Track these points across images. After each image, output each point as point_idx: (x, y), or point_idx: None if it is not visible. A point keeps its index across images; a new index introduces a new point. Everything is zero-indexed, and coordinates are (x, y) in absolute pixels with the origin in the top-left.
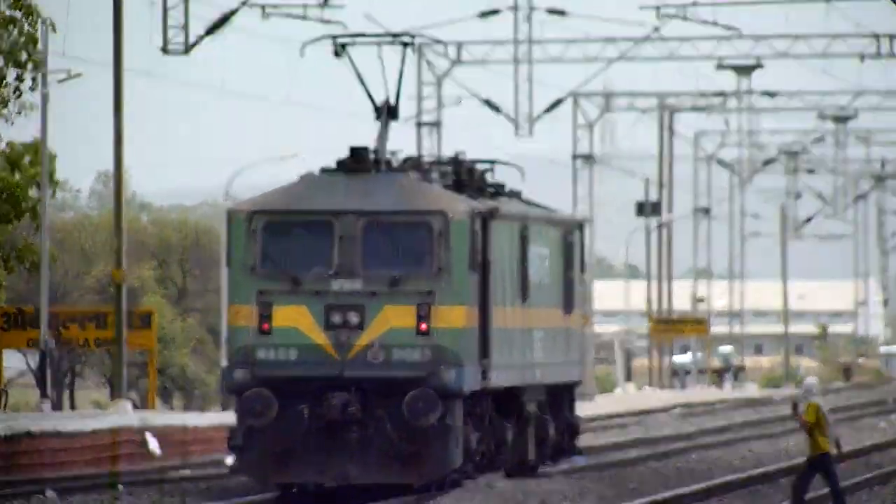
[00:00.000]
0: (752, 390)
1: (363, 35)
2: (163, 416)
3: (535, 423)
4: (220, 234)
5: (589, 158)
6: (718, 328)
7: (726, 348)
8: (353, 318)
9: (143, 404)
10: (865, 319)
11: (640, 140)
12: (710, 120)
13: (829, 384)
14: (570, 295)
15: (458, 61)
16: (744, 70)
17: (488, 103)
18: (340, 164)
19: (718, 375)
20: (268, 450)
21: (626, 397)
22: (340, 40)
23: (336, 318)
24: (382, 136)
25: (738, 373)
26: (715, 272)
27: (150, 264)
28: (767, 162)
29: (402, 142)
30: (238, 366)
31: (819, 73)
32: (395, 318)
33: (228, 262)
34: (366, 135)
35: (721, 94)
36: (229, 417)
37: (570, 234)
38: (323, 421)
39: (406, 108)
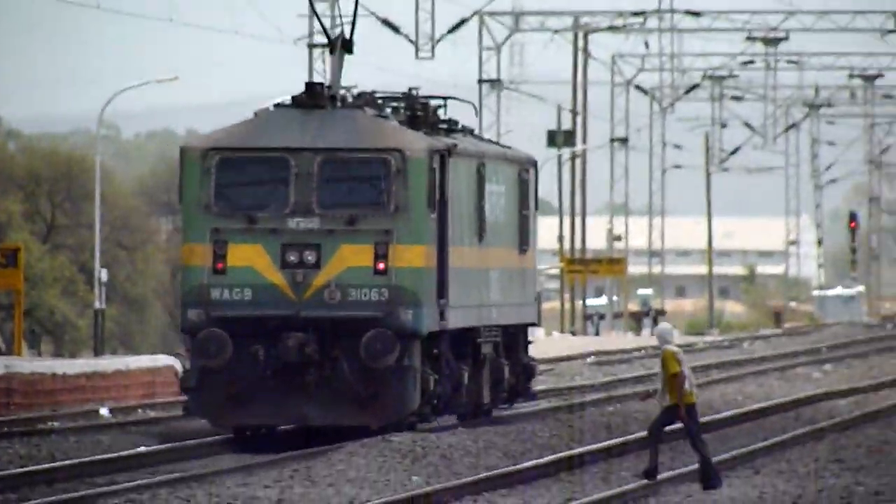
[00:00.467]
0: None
1: None
2: (30, 363)
3: (490, 366)
4: (93, 165)
5: (496, 83)
6: (637, 268)
7: (645, 291)
8: (310, 257)
9: (8, 349)
10: (797, 260)
11: (552, 63)
12: (628, 42)
13: (758, 330)
14: (524, 234)
15: None
16: None
17: (386, 23)
18: (295, 99)
19: (636, 320)
20: (223, 391)
21: (536, 344)
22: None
23: (292, 258)
24: (336, 70)
25: (658, 317)
26: (633, 208)
27: (17, 197)
28: (691, 88)
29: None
30: (192, 306)
31: None
32: (353, 257)
33: (181, 200)
34: (258, 59)
35: (640, 13)
36: (103, 364)
37: (525, 171)
38: (279, 362)
39: (298, 27)
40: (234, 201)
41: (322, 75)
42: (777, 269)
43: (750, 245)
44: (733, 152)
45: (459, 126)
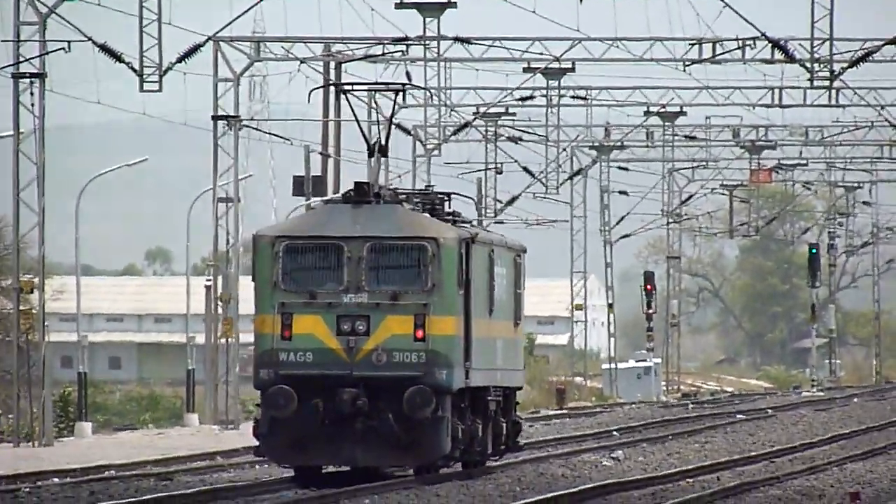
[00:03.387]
0: None
1: (361, 83)
2: None
3: (493, 420)
4: None
5: (233, 119)
6: None
7: None
8: (361, 326)
9: None
10: (584, 328)
11: (298, 97)
12: (388, 73)
13: (538, 410)
14: (518, 310)
15: None
16: (430, 9)
17: (105, 49)
18: (345, 196)
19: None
20: (288, 437)
21: None
22: (343, 87)
23: (346, 327)
24: (376, 171)
25: None
26: None
27: None
28: (460, 127)
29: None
30: (263, 366)
31: (526, 16)
32: (396, 326)
33: (254, 279)
34: None
35: (402, 39)
36: None
37: (518, 256)
38: (335, 413)
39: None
40: (298, 280)
41: (29, 109)
42: (560, 339)
43: (528, 311)
44: (509, 202)
45: (461, 216)
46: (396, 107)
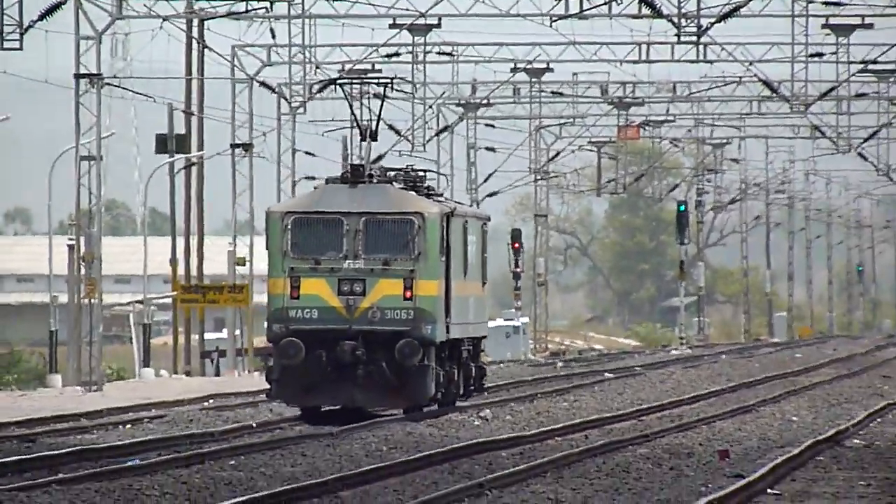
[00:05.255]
0: None
1: (356, 77)
2: None
3: (465, 366)
4: None
5: (95, 78)
6: (264, 297)
7: None
8: (358, 288)
9: None
10: None
11: (162, 56)
12: (251, 31)
13: None
14: (484, 271)
15: None
16: None
17: None
18: (343, 177)
19: (263, 358)
20: (297, 382)
21: (145, 386)
22: (340, 82)
23: (346, 288)
24: (368, 154)
25: None
26: (260, 226)
27: None
28: (325, 85)
29: None
30: (275, 321)
31: None
32: (388, 288)
33: (267, 247)
34: None
35: None
36: None
37: (485, 225)
38: (337, 361)
39: None
40: (304, 249)
41: None
42: None
43: None
44: (376, 160)
45: (435, 190)
46: (382, 102)
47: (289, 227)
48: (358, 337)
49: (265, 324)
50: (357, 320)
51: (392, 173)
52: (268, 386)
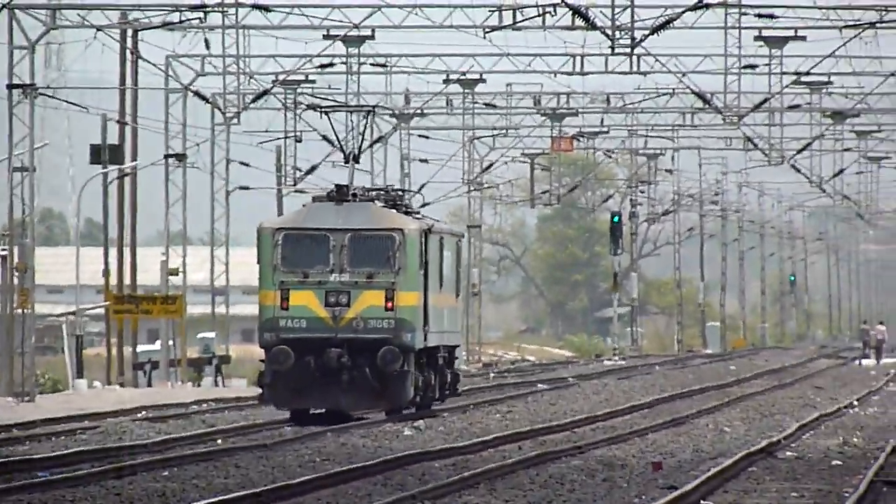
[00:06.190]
0: (240, 387)
1: (340, 106)
2: None
3: (441, 372)
4: None
5: (29, 88)
6: (197, 309)
7: (207, 335)
8: (343, 299)
9: None
10: None
11: (96, 66)
12: (186, 41)
13: None
14: (458, 284)
15: None
16: None
17: None
18: (329, 195)
19: (197, 369)
20: (287, 386)
21: (78, 397)
22: (325, 110)
23: (332, 299)
24: (351, 175)
25: (222, 365)
26: (193, 236)
27: None
28: (259, 95)
29: None
30: (267, 331)
31: None
32: (371, 299)
33: (259, 261)
34: None
35: (200, 6)
36: None
37: (459, 241)
38: (324, 367)
39: None
40: (293, 263)
41: None
42: None
43: None
44: (309, 171)
45: (413, 209)
46: (365, 129)
47: (279, 242)
48: (343, 345)
49: (257, 332)
50: (342, 329)
51: (374, 192)
52: (259, 390)
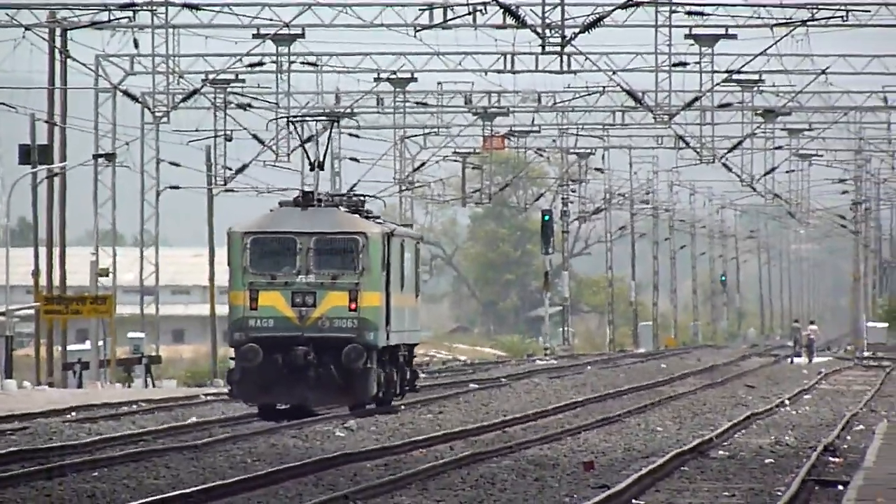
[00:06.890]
0: (171, 388)
1: (309, 116)
2: None
3: (401, 369)
4: None
5: None
6: (127, 309)
7: (137, 335)
8: (309, 300)
9: None
10: None
11: (23, 64)
12: (115, 40)
13: None
14: (417, 285)
15: None
16: None
17: None
18: (295, 200)
19: (127, 369)
20: (255, 383)
21: (8, 397)
22: (292, 119)
23: (298, 300)
24: (316, 182)
25: (152, 365)
26: (123, 236)
27: None
28: (189, 94)
29: None
30: (236, 330)
31: None
32: (336, 300)
33: (229, 264)
34: None
35: (129, 5)
36: None
37: (419, 243)
38: (291, 365)
39: None
40: (262, 265)
41: None
42: None
43: None
44: (239, 170)
45: (374, 214)
46: (330, 137)
47: (248, 245)
48: (309, 343)
49: (227, 331)
50: (308, 328)
51: (337, 198)
52: (229, 387)
